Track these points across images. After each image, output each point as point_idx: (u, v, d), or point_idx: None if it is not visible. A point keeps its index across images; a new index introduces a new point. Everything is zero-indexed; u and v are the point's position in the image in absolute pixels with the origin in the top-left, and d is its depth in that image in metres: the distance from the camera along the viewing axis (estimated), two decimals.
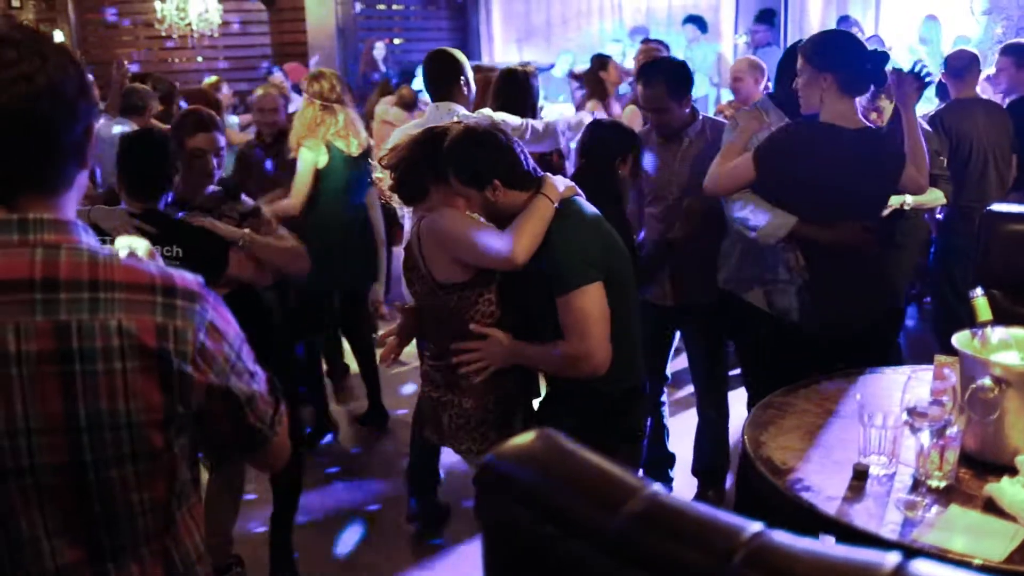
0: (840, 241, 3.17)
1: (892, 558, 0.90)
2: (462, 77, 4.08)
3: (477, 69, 4.73)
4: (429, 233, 2.86)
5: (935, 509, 2.12)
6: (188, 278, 1.43)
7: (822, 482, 2.24)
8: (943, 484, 2.19)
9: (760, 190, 3.25)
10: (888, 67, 3.33)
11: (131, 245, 1.58)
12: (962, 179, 4.97)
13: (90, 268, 1.34)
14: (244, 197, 3.46)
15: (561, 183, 2.81)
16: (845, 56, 3.18)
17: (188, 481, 1.49)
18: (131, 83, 5.86)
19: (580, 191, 2.88)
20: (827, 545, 0.96)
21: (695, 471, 4.17)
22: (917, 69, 3.39)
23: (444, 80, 4.08)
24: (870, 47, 3.39)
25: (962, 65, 5.28)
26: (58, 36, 10.25)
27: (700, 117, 3.88)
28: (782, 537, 0.97)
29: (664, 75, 3.74)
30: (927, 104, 7.08)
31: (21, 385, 1.29)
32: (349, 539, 4.09)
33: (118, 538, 1.40)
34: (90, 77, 1.42)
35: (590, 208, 2.83)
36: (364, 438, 5.16)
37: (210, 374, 1.40)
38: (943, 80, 5.55)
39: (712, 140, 3.74)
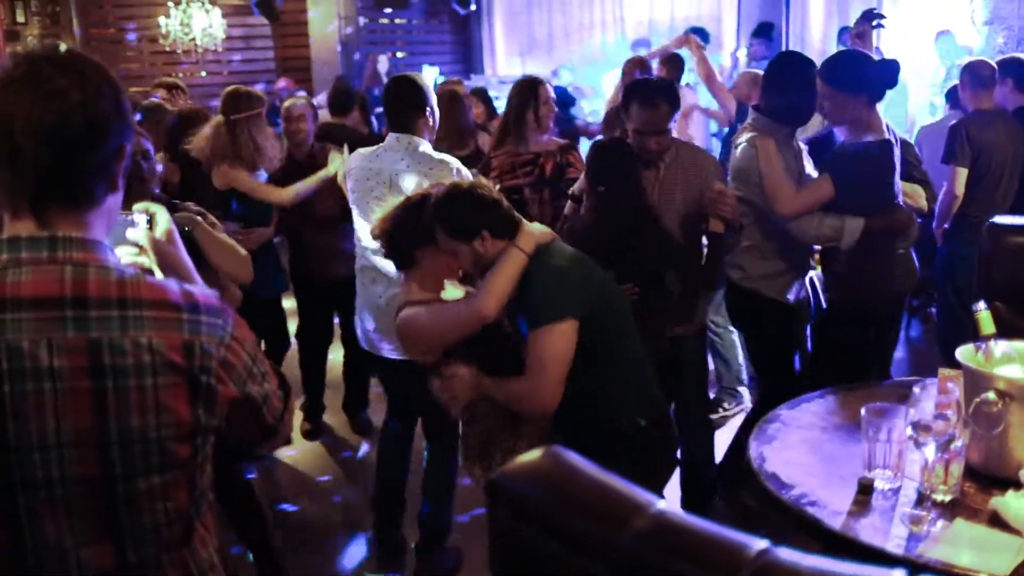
0: (897, 224, 3.62)
1: (897, 574, 0.90)
2: (427, 108, 3.77)
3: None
4: (401, 329, 2.98)
5: (940, 523, 2.12)
6: (208, 293, 1.48)
7: (827, 496, 2.25)
8: (948, 498, 2.19)
9: (831, 203, 3.57)
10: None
11: (148, 208, 1.66)
12: (976, 189, 4.97)
13: (118, 286, 1.38)
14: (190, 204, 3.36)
15: (536, 230, 2.85)
16: (868, 74, 3.53)
17: (204, 490, 1.52)
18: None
19: (555, 235, 2.92)
20: (833, 562, 0.96)
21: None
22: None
23: (406, 111, 3.77)
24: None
25: (986, 75, 5.23)
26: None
27: (676, 144, 3.74)
28: (789, 555, 0.97)
29: (664, 97, 3.60)
30: (936, 113, 7.11)
31: (53, 400, 1.33)
32: (347, 553, 4.11)
33: (142, 548, 1.43)
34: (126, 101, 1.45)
35: (568, 249, 2.86)
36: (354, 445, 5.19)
37: (231, 384, 1.46)
38: (958, 89, 5.52)
39: (687, 166, 3.64)
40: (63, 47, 1.41)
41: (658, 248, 3.42)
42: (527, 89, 4.42)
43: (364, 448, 5.14)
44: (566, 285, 2.74)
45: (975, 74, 5.25)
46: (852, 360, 3.59)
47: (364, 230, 3.63)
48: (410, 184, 3.58)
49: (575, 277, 2.76)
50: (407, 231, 2.96)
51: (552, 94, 4.48)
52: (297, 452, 5.08)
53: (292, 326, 5.34)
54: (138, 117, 5.74)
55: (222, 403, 1.45)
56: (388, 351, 3.68)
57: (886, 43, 10.15)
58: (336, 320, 5.37)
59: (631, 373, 2.84)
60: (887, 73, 3.56)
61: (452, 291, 3.03)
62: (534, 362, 2.70)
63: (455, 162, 3.73)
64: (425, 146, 3.74)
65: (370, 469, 4.37)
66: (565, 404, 2.74)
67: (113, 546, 1.41)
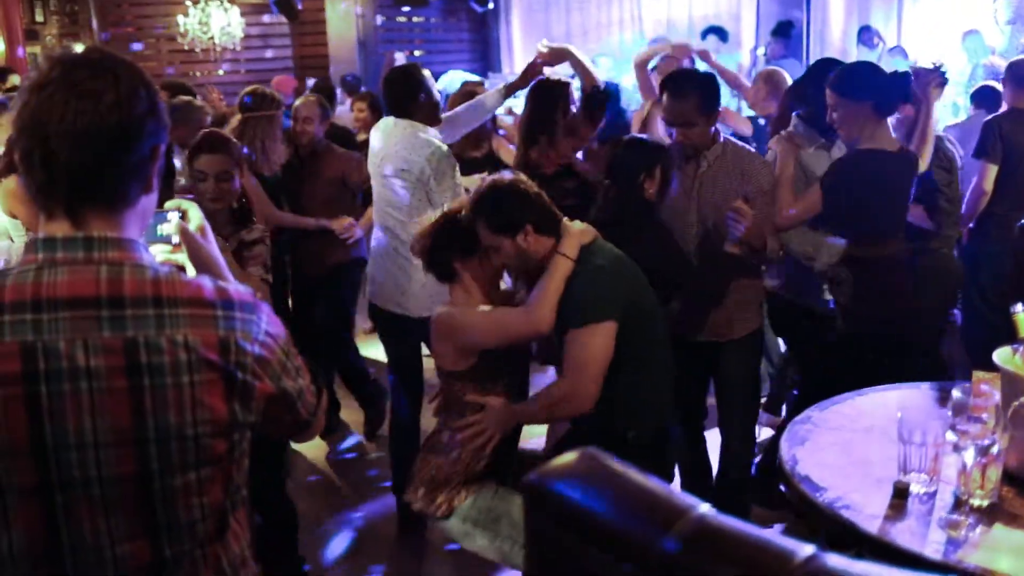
0: (890, 256, 3.45)
1: None
2: (421, 94, 4.03)
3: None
4: (441, 326, 2.90)
5: (979, 529, 2.08)
6: (241, 290, 1.49)
7: (862, 500, 2.20)
8: (986, 503, 2.14)
9: (818, 219, 3.51)
10: (908, 66, 3.50)
11: (180, 204, 1.67)
12: (1005, 187, 4.90)
13: (153, 285, 1.39)
14: (255, 225, 3.38)
15: (577, 229, 2.82)
16: (876, 83, 3.42)
17: (240, 485, 1.52)
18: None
19: (597, 233, 2.88)
20: (883, 568, 0.93)
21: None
22: (937, 64, 3.60)
23: (404, 98, 4.04)
24: (893, 58, 3.59)
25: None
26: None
27: (722, 139, 3.58)
28: (836, 561, 0.94)
29: (696, 87, 3.49)
30: (959, 113, 7.05)
31: (90, 399, 1.34)
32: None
33: (177, 544, 1.43)
34: (163, 102, 1.46)
35: (610, 249, 2.83)
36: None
37: (267, 380, 1.46)
38: (988, 87, 5.45)
39: (733, 167, 3.51)
40: (99, 48, 1.41)
41: (655, 252, 3.23)
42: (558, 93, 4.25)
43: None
44: (607, 286, 2.72)
45: (1013, 73, 5.17)
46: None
47: (380, 198, 4.09)
48: (389, 164, 3.97)
49: (616, 278, 2.74)
50: (446, 245, 2.92)
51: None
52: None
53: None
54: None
55: (258, 399, 1.45)
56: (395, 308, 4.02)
57: (909, 42, 10.11)
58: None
59: (647, 381, 2.82)
60: (896, 85, 3.47)
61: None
62: (574, 362, 2.68)
63: (437, 142, 3.94)
64: (432, 133, 3.99)
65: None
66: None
67: (149, 542, 1.41)
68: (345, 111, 7.43)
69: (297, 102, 5.20)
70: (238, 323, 1.42)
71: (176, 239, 1.65)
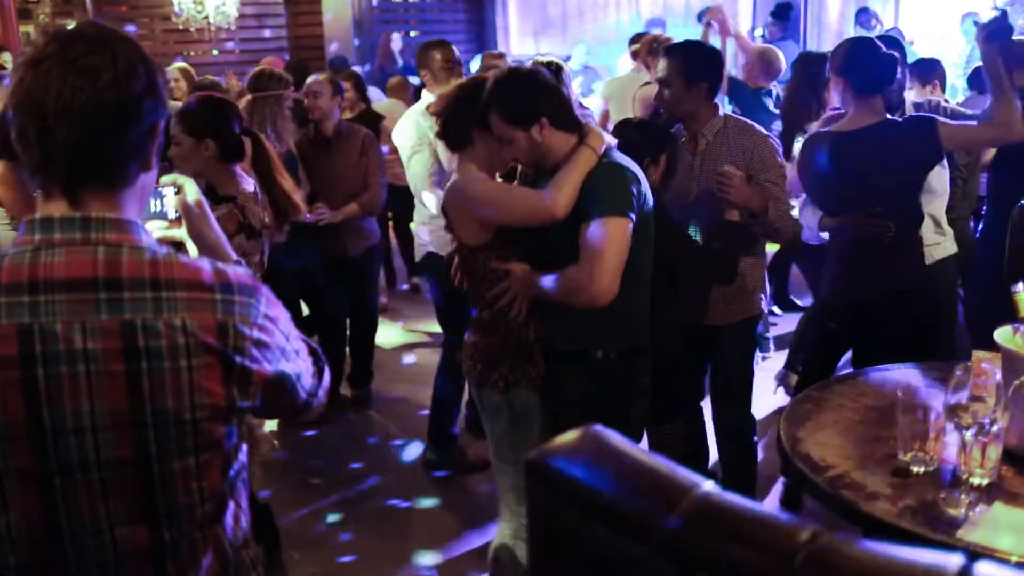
0: (851, 228, 3.51)
1: (956, 560, 0.86)
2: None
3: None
4: (455, 197, 2.88)
5: (979, 507, 2.07)
6: (240, 272, 1.47)
7: (862, 479, 2.20)
8: (986, 481, 2.14)
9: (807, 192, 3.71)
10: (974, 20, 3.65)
11: (176, 179, 1.66)
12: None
13: (151, 267, 1.36)
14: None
15: (604, 134, 2.81)
16: (855, 60, 3.48)
17: (240, 468, 1.52)
18: None
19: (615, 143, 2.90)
20: (888, 546, 0.92)
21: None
22: (997, 14, 3.53)
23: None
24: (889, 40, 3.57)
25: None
26: None
27: (721, 115, 3.53)
28: (842, 538, 0.93)
29: (684, 52, 3.50)
30: (956, 95, 7.03)
31: (88, 383, 1.32)
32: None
33: (177, 527, 1.43)
34: (163, 79, 1.43)
35: (629, 161, 2.81)
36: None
37: (265, 364, 1.44)
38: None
39: (734, 142, 3.46)
40: (97, 23, 1.39)
41: (657, 237, 3.17)
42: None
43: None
44: (627, 184, 2.69)
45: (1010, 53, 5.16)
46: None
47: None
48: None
49: (633, 179, 2.72)
50: (469, 110, 2.85)
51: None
52: None
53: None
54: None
55: (256, 383, 1.43)
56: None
57: (908, 25, 10.10)
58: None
59: (635, 293, 2.81)
60: (875, 65, 3.48)
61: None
62: (593, 250, 2.64)
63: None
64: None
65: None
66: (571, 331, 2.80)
67: (148, 526, 1.40)
68: None
69: (309, 79, 5.27)
70: (237, 307, 1.40)
71: (172, 214, 1.63)
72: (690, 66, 3.44)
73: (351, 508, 4.27)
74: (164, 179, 1.64)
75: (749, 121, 3.58)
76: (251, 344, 1.41)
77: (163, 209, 1.64)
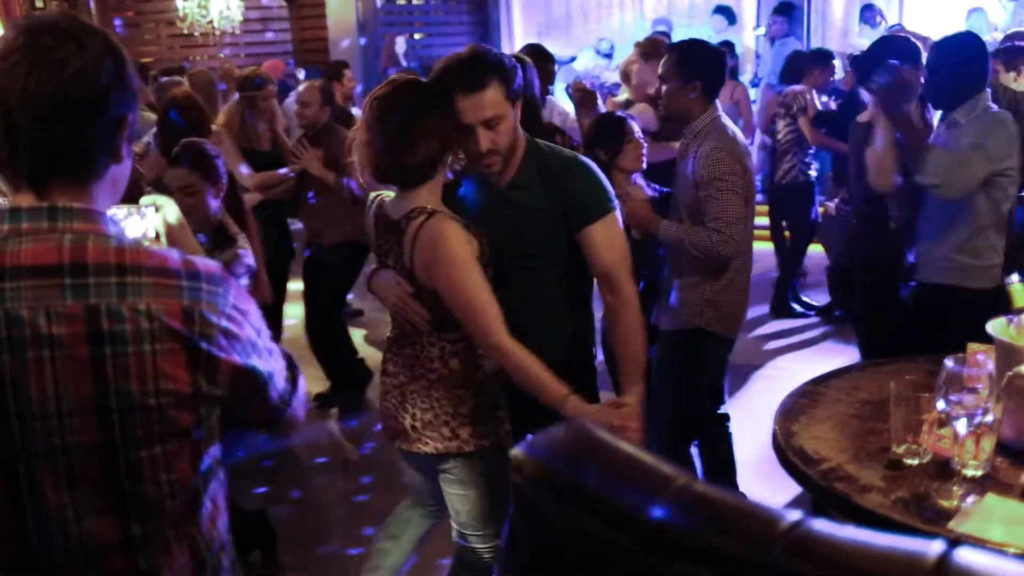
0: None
1: (936, 546, 0.87)
2: None
3: None
4: (431, 245, 2.46)
5: (972, 498, 2.08)
6: (209, 263, 1.46)
7: (856, 471, 2.21)
8: (979, 473, 2.15)
9: None
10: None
11: (155, 201, 1.69)
12: None
13: (117, 254, 1.36)
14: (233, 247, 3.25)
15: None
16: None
17: (213, 466, 1.51)
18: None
19: None
20: (870, 533, 0.93)
21: None
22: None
23: None
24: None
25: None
26: None
27: (708, 116, 3.44)
28: (823, 525, 0.94)
29: (681, 49, 3.52)
30: None
31: (52, 367, 1.32)
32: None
33: (147, 521, 1.42)
34: (132, 71, 1.43)
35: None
36: None
37: (234, 354, 1.43)
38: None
39: (699, 146, 3.38)
40: (68, 14, 1.39)
41: None
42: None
43: None
44: (600, 175, 2.68)
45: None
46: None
47: None
48: None
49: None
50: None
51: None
52: None
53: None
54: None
55: (224, 372, 1.42)
56: None
57: (915, 19, 10.06)
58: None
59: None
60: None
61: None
62: (622, 254, 2.63)
63: None
64: None
65: None
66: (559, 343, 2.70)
67: (116, 518, 1.39)
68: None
69: (299, 87, 5.47)
70: (204, 294, 1.40)
71: (152, 233, 1.66)
72: (686, 63, 3.44)
73: (354, 507, 4.28)
74: (144, 200, 1.67)
75: (726, 125, 3.46)
76: (219, 332, 1.40)
77: (145, 229, 1.69)
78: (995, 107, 3.42)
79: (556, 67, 5.02)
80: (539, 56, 4.42)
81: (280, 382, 1.56)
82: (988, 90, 3.43)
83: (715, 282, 3.47)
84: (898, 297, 3.59)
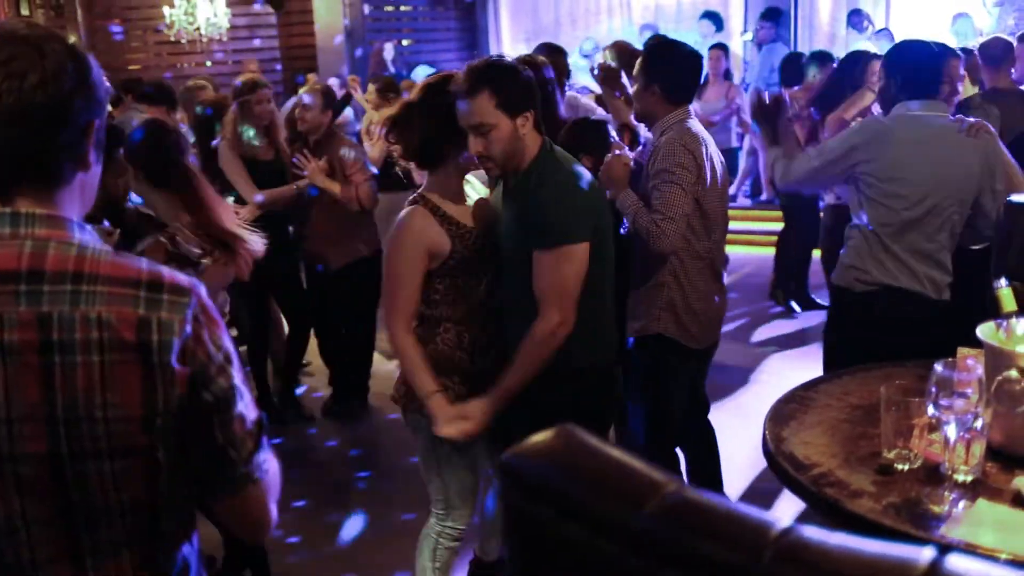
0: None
1: (927, 553, 0.86)
2: None
3: None
4: (395, 226, 2.80)
5: (962, 504, 2.08)
6: (178, 275, 1.41)
7: (846, 477, 2.20)
8: (970, 478, 2.14)
9: None
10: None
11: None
12: None
13: (76, 261, 1.34)
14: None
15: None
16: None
17: (175, 486, 1.42)
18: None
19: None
20: (860, 540, 0.92)
21: None
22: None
23: None
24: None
25: (998, 53, 5.15)
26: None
27: (671, 119, 3.37)
28: (813, 532, 0.93)
29: (648, 51, 3.51)
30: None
31: (4, 374, 1.30)
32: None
33: (97, 535, 1.38)
34: (98, 77, 1.40)
35: (571, 159, 2.80)
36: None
37: (192, 369, 1.36)
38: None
39: (661, 145, 3.31)
40: (32, 23, 1.36)
41: None
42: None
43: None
44: (582, 202, 2.67)
45: (985, 54, 5.20)
46: None
47: None
48: None
49: (590, 195, 2.70)
50: (438, 122, 2.72)
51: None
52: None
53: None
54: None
55: (180, 385, 1.35)
56: None
57: (900, 24, 10.11)
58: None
59: (596, 308, 2.78)
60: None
61: (479, 187, 2.95)
62: (555, 288, 2.63)
63: None
64: None
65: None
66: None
67: (66, 530, 1.37)
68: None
69: (301, 91, 5.40)
70: (164, 305, 1.34)
71: None
72: (647, 65, 3.41)
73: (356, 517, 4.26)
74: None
75: (691, 126, 3.37)
76: (179, 341, 1.34)
77: None
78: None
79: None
80: (551, 51, 4.46)
81: (236, 426, 1.42)
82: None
83: (674, 285, 3.38)
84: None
